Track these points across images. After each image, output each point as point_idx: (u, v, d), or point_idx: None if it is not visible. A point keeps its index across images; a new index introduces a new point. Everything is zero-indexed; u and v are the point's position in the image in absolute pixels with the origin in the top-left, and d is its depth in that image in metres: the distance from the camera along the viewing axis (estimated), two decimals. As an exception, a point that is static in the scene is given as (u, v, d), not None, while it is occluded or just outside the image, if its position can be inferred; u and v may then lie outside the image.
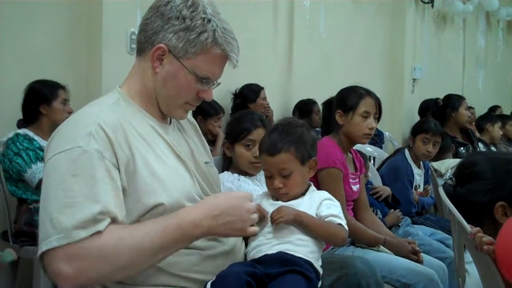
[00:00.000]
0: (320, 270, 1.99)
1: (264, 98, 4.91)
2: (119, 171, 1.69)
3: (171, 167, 1.80)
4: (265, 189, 2.20)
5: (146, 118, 1.84)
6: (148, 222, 1.68)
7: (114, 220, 1.63)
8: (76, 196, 1.60)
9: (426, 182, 4.20)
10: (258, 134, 2.64)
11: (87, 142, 1.64)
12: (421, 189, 4.12)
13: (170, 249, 1.69)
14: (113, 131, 1.70)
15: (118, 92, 1.87)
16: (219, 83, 1.91)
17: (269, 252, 1.96)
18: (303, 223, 2.00)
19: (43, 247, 1.59)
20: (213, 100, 3.59)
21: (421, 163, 4.17)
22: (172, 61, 1.79)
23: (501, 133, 6.34)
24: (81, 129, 1.67)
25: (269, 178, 2.08)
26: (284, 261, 1.91)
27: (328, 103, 3.26)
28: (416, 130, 4.12)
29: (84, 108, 1.83)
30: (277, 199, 2.08)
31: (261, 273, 1.83)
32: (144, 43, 1.83)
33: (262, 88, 4.91)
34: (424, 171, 4.19)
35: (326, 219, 2.03)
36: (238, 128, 2.70)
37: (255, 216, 1.78)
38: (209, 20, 1.79)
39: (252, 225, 1.77)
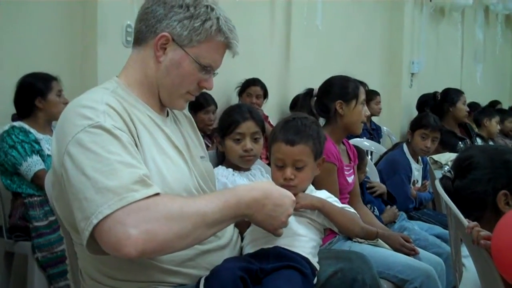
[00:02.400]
0: (317, 266, 1.98)
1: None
2: (136, 146, 1.68)
3: (170, 157, 1.79)
4: None
5: (144, 108, 1.82)
6: (205, 195, 1.73)
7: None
8: (115, 163, 1.55)
9: (424, 177, 4.19)
10: (247, 127, 2.62)
11: (104, 119, 1.62)
12: (419, 185, 4.11)
13: (224, 224, 1.70)
14: (121, 111, 1.69)
15: (116, 81, 1.84)
16: (217, 73, 1.90)
17: (265, 246, 1.94)
18: (324, 208, 2.03)
19: (93, 220, 1.50)
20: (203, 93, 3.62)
21: (420, 158, 4.16)
22: (175, 50, 1.78)
23: (498, 127, 6.33)
24: (93, 109, 1.64)
25: (279, 168, 2.05)
26: (280, 256, 1.89)
27: (308, 94, 3.19)
28: (415, 125, 4.10)
29: (83, 95, 1.77)
30: None
31: (256, 268, 1.81)
32: (146, 32, 1.80)
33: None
34: (422, 166, 4.17)
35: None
36: (227, 122, 2.68)
37: (288, 221, 1.82)
38: (212, 9, 1.80)
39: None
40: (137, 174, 1.56)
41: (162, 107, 1.90)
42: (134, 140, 1.68)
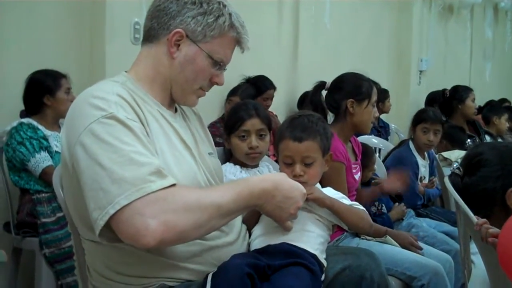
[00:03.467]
0: (324, 263, 1.97)
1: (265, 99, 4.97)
2: (148, 136, 1.69)
3: (179, 151, 1.80)
4: None
5: (153, 103, 1.82)
6: (219, 186, 1.79)
7: None
8: (131, 153, 1.56)
9: (431, 174, 4.17)
10: (252, 124, 2.62)
11: (117, 110, 1.62)
12: (426, 181, 4.09)
13: (237, 213, 1.75)
14: (132, 102, 1.70)
15: (125, 76, 1.84)
16: (226, 69, 1.92)
17: (273, 242, 1.94)
18: (334, 207, 2.03)
19: (110, 210, 1.51)
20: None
21: (426, 154, 4.14)
22: (190, 46, 1.80)
23: (507, 125, 6.29)
24: (105, 100, 1.64)
25: (288, 166, 2.05)
26: (287, 252, 1.89)
27: (320, 87, 3.13)
28: (415, 120, 4.09)
29: (93, 86, 1.77)
30: None
31: (264, 264, 1.81)
32: (158, 29, 1.81)
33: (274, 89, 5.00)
34: (429, 162, 4.15)
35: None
36: (233, 119, 2.68)
37: (297, 214, 1.86)
38: (225, 5, 1.83)
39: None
40: (153, 165, 1.57)
41: (172, 103, 1.91)
42: (146, 130, 1.69)
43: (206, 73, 1.84)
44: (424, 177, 4.08)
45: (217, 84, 1.90)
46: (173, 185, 1.58)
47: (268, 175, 1.87)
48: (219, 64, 1.85)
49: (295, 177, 2.01)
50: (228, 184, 1.76)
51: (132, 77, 1.83)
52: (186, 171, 1.78)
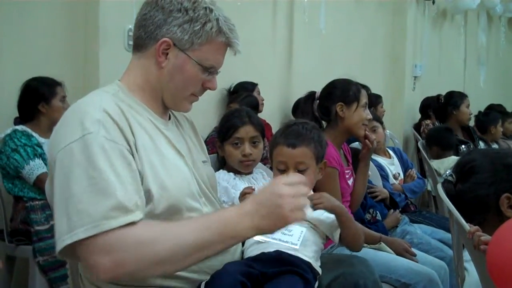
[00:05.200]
0: (319, 270, 1.97)
1: (259, 93, 4.89)
2: (132, 154, 1.66)
3: (171, 162, 1.78)
4: None
5: (145, 112, 1.81)
6: (188, 219, 1.69)
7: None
8: (101, 182, 1.55)
9: (407, 167, 4.17)
10: (245, 131, 2.62)
11: (97, 129, 1.61)
12: (402, 176, 4.09)
13: (213, 248, 1.60)
14: (118, 118, 1.68)
15: (118, 85, 1.84)
16: (219, 72, 1.90)
17: (266, 251, 1.93)
18: (342, 216, 2.04)
19: (66, 240, 1.53)
20: None
21: (389, 151, 4.15)
22: (177, 54, 1.78)
23: (501, 130, 6.30)
24: (88, 117, 1.63)
25: (281, 172, 2.06)
26: (281, 260, 1.89)
27: (309, 98, 3.18)
28: None
29: (84, 98, 1.78)
30: None
31: (257, 273, 1.80)
32: (146, 38, 1.80)
33: (256, 85, 4.88)
34: (396, 158, 4.15)
35: None
36: (226, 126, 2.68)
37: (295, 201, 1.60)
38: (211, 10, 1.79)
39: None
40: (117, 200, 1.55)
41: (165, 110, 1.90)
42: (130, 148, 1.67)
43: (196, 80, 1.83)
44: (399, 174, 4.08)
45: (209, 89, 1.88)
46: (133, 223, 1.55)
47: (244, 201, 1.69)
48: (210, 70, 1.83)
49: None
50: (200, 217, 1.69)
51: (124, 86, 1.83)
52: (179, 182, 1.77)
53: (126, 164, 1.62)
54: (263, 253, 1.93)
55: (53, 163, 1.64)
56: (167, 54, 1.78)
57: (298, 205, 1.61)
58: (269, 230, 1.64)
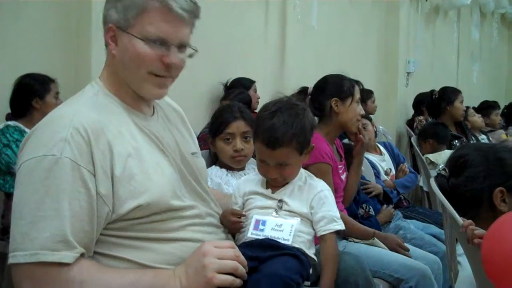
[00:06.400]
0: (314, 258, 1.97)
1: (255, 91, 4.88)
2: (95, 177, 1.60)
3: (153, 165, 1.73)
4: None
5: (125, 111, 1.77)
6: (125, 270, 1.64)
7: (84, 247, 1.58)
8: (49, 210, 1.53)
9: (398, 162, 4.17)
10: (236, 126, 2.61)
11: (61, 149, 1.57)
12: (394, 172, 4.09)
13: None
14: (92, 132, 1.62)
15: (97, 84, 1.81)
16: (196, 50, 1.81)
17: (256, 237, 1.93)
18: None
19: (10, 259, 1.53)
20: None
21: (380, 147, 4.15)
22: (122, 36, 1.71)
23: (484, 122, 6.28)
24: (56, 134, 1.60)
25: (263, 163, 2.04)
26: (273, 246, 1.88)
27: (302, 93, 3.16)
28: None
29: (60, 107, 1.76)
30: (272, 192, 2.05)
31: (251, 254, 1.78)
32: (104, 34, 1.77)
33: (254, 82, 4.88)
34: (387, 153, 4.15)
35: (323, 232, 2.02)
36: (217, 122, 2.66)
37: (220, 262, 1.62)
38: None
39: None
40: (62, 232, 1.53)
41: (146, 103, 1.85)
42: (95, 166, 1.61)
43: (146, 56, 1.71)
44: (391, 170, 4.08)
45: (170, 65, 1.73)
46: (67, 264, 1.53)
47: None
48: (157, 43, 1.71)
49: (270, 179, 2.03)
50: (136, 270, 1.64)
51: (102, 84, 1.80)
52: (160, 185, 1.72)
53: (83, 189, 1.58)
54: (256, 239, 1.91)
55: (18, 170, 1.62)
56: (116, 40, 1.73)
57: (223, 267, 1.61)
58: None
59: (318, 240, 2.05)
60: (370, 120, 4.21)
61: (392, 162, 4.16)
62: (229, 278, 1.61)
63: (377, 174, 3.95)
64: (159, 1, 1.69)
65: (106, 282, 1.57)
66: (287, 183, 2.05)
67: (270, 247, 1.86)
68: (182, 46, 1.76)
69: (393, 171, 4.10)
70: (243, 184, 2.15)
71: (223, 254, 1.63)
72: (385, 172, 4.04)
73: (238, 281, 1.64)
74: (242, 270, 1.65)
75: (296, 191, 2.05)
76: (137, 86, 1.77)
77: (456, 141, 5.20)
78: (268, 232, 1.93)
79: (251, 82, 4.85)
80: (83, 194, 1.58)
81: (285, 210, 2.00)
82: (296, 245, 1.91)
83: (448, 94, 5.79)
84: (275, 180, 2.03)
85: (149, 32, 1.69)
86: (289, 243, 1.91)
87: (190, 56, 1.80)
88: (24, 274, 1.53)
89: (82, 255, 1.57)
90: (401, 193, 3.99)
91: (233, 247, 1.69)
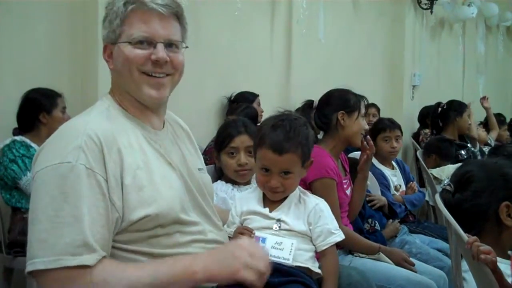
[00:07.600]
0: (319, 271, 1.98)
1: (259, 105, 4.88)
2: (107, 183, 1.63)
3: (163, 176, 1.76)
4: None
5: (135, 126, 1.81)
6: (142, 263, 1.65)
7: (104, 250, 1.59)
8: (68, 216, 1.55)
9: (408, 180, 4.18)
10: (241, 141, 2.63)
11: (76, 157, 1.60)
12: (403, 188, 4.09)
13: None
14: (104, 140, 1.66)
15: (108, 99, 1.85)
16: (186, 46, 1.87)
17: None
18: None
19: (28, 266, 1.55)
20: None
21: (393, 163, 4.16)
22: (114, 49, 1.80)
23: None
24: (70, 142, 1.63)
25: (264, 172, 2.04)
26: (280, 271, 1.88)
27: (308, 106, 3.18)
28: (373, 132, 4.11)
29: (73, 119, 1.80)
30: (270, 210, 2.05)
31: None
32: None
33: (257, 96, 4.88)
34: (399, 169, 4.16)
35: (323, 247, 2.03)
36: (222, 136, 2.68)
37: (252, 259, 1.63)
38: None
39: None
40: (82, 236, 1.55)
41: (156, 117, 1.88)
42: (107, 173, 1.64)
43: (133, 57, 1.76)
44: (400, 186, 4.08)
45: (157, 60, 1.76)
46: (88, 266, 1.54)
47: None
48: (142, 42, 1.77)
49: (271, 188, 2.02)
50: (155, 261, 1.66)
51: (112, 99, 1.85)
52: (169, 199, 1.74)
53: (100, 195, 1.61)
54: None
55: (32, 180, 1.66)
56: (112, 55, 1.81)
57: (252, 265, 1.62)
58: (218, 274, 1.63)
59: (318, 254, 2.06)
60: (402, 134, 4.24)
61: (403, 179, 4.16)
62: (254, 276, 1.62)
63: (387, 186, 3.95)
64: (134, 2, 1.76)
65: (130, 278, 1.58)
66: (285, 198, 2.06)
67: (278, 271, 1.85)
68: (171, 44, 1.81)
69: (403, 188, 4.10)
70: (239, 202, 2.16)
71: (257, 253, 1.65)
72: (394, 187, 4.04)
73: (259, 284, 1.65)
74: (265, 279, 1.67)
75: (293, 208, 2.06)
76: (135, 90, 1.81)
77: (462, 150, 5.19)
78: (268, 250, 1.93)
79: (255, 95, 4.85)
80: (101, 201, 1.61)
81: (284, 230, 2.01)
82: (299, 264, 1.92)
83: (458, 106, 5.76)
84: (275, 191, 2.03)
85: (133, 34, 1.76)
86: (289, 262, 1.91)
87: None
88: (48, 280, 1.54)
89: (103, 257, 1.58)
90: (408, 209, 3.98)
91: (267, 256, 1.71)
